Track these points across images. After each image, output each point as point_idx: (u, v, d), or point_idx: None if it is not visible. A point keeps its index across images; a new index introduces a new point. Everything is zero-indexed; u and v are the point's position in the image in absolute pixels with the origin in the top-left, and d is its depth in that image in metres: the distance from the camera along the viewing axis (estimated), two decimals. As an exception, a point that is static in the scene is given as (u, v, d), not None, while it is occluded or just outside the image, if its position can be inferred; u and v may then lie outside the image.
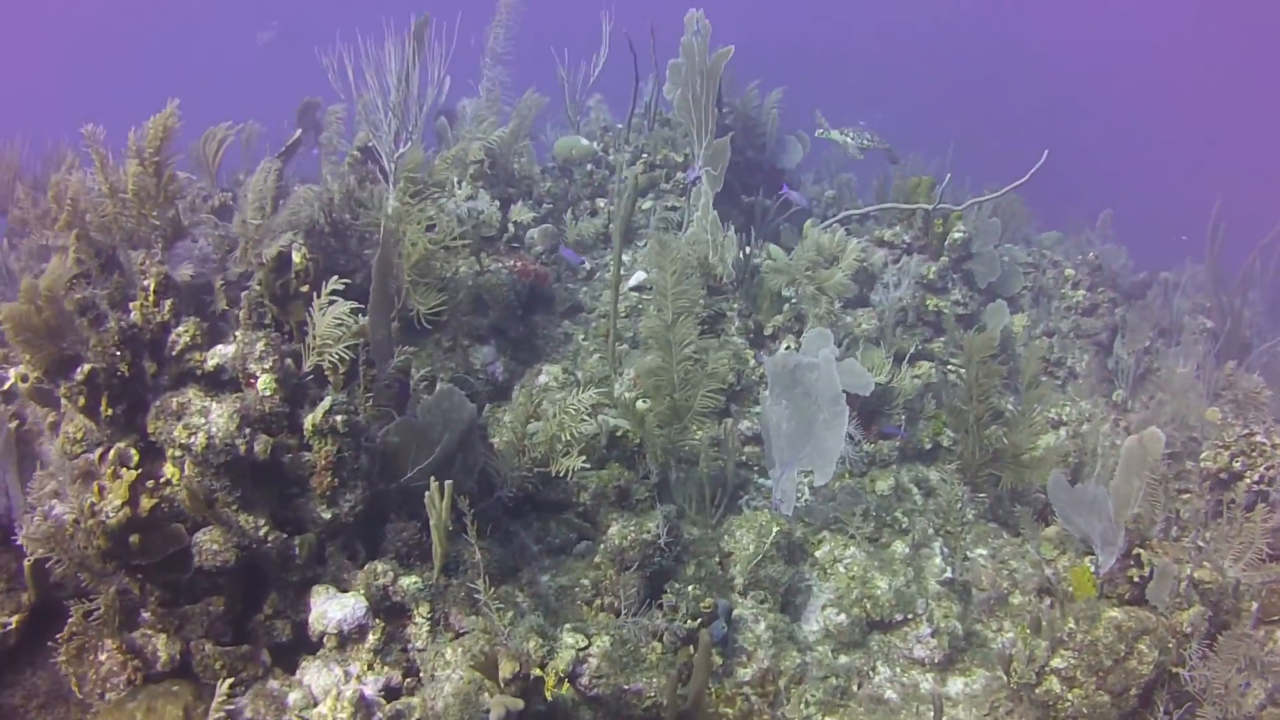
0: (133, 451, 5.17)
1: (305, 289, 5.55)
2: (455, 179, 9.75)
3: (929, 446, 8.76)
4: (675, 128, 12.44)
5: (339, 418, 5.23)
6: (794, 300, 9.13)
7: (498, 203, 9.26)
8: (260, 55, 44.05)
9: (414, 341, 8.18)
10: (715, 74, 10.67)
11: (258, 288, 5.57)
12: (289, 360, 5.41)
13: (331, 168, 11.06)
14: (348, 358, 5.60)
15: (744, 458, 8.11)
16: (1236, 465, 8.04)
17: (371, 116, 9.51)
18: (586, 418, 6.52)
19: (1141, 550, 6.62)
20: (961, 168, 18.72)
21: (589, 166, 11.92)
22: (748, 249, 9.53)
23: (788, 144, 13.08)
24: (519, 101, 11.43)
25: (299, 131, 10.05)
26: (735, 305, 9.08)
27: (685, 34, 11.90)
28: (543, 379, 8.20)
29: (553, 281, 9.56)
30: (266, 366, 5.26)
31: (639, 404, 7.48)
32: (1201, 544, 6.69)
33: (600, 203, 11.65)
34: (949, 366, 9.71)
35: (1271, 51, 50.13)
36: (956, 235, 10.61)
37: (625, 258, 10.55)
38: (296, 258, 8.35)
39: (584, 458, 6.39)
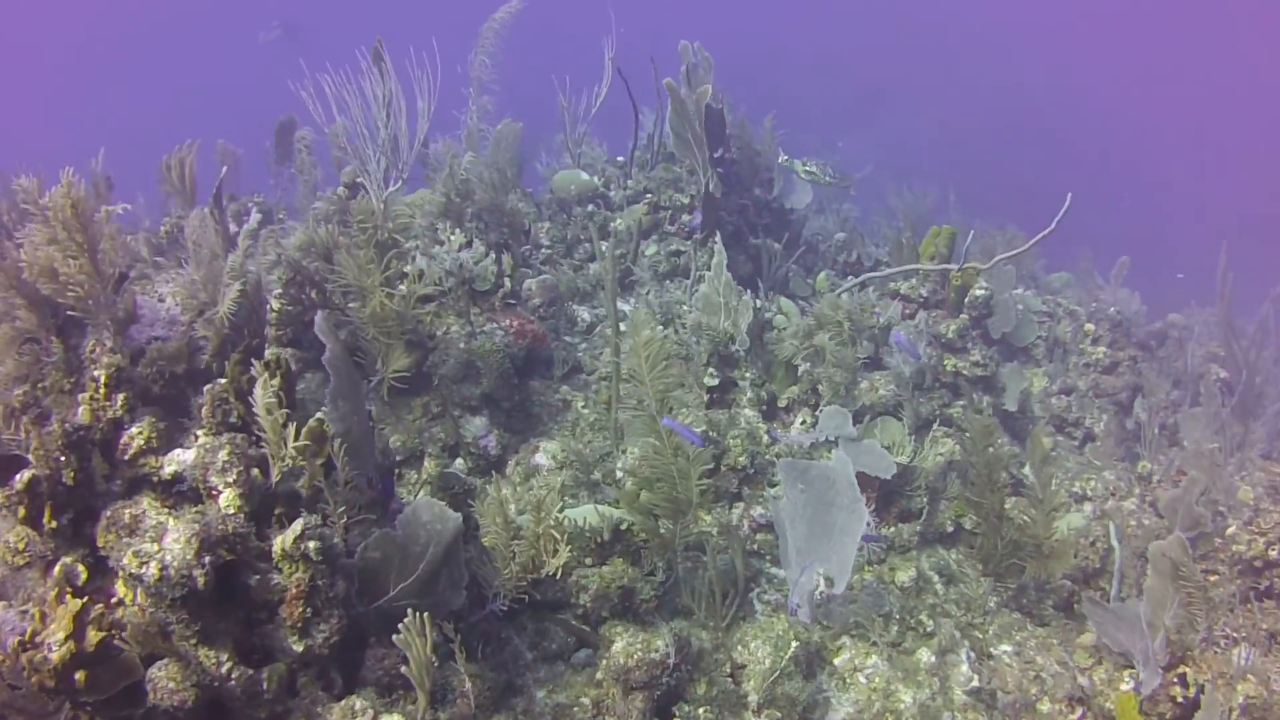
0: (80, 569, 4.56)
1: (277, 383, 4.87)
2: (448, 225, 9.12)
3: (950, 529, 8.13)
4: (680, 162, 11.82)
5: (311, 544, 4.57)
6: (809, 370, 8.48)
7: (493, 254, 8.56)
8: (263, 55, 43.37)
9: (402, 405, 7.58)
10: (717, 115, 10.12)
11: (223, 382, 4.91)
12: (256, 470, 4.74)
13: (319, 204, 10.46)
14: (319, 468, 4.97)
15: (756, 545, 7.50)
16: (1273, 554, 7.67)
17: (354, 146, 8.93)
18: (570, 501, 5.94)
19: (1186, 669, 6.14)
20: (957, 197, 18.38)
21: (590, 207, 11.29)
22: (758, 303, 8.95)
23: (797, 183, 12.50)
24: (495, 132, 10.84)
25: (225, 169, 9.37)
26: (747, 374, 8.44)
27: (682, 64, 11.34)
28: (539, 459, 7.54)
29: (551, 340, 8.91)
30: (230, 480, 4.61)
31: (642, 495, 6.84)
32: (1245, 656, 6.35)
33: (603, 246, 11.01)
34: (969, 435, 9.11)
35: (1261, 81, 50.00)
36: (978, 292, 10.01)
37: (625, 306, 9.94)
38: (275, 304, 7.78)
39: (577, 551, 5.86)
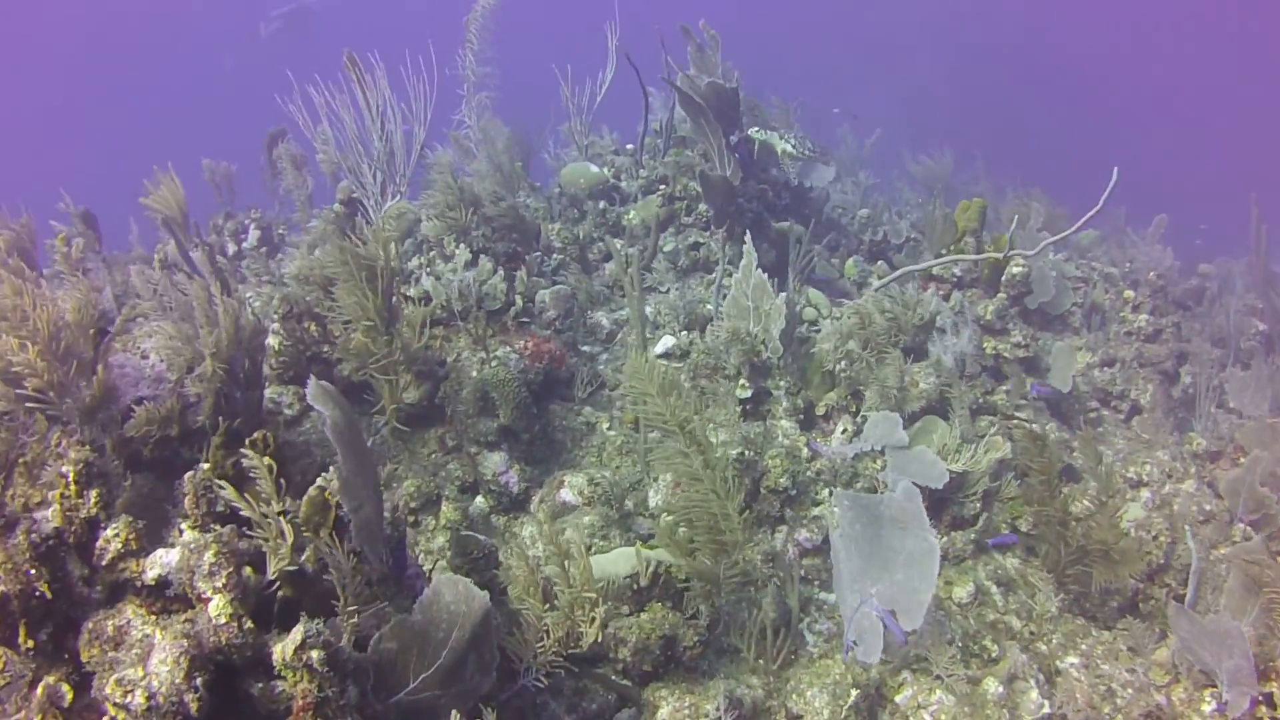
0: (65, 689, 4.07)
1: (268, 462, 4.37)
2: (452, 238, 8.59)
3: (1007, 532, 7.61)
4: (693, 146, 11.29)
5: (314, 653, 4.05)
6: (848, 372, 7.92)
7: (501, 270, 8.03)
8: (265, 49, 42.89)
9: (414, 438, 7.12)
10: (730, 96, 9.59)
11: (205, 467, 4.41)
12: (249, 568, 4.24)
13: (316, 222, 9.98)
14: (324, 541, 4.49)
15: (802, 570, 7.00)
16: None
17: (347, 160, 8.44)
18: (600, 543, 5.46)
19: (1274, 686, 5.90)
20: (976, 154, 17.81)
21: (601, 204, 10.75)
22: (786, 295, 8.43)
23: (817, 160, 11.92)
24: (491, 131, 10.31)
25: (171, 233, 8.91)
26: (781, 383, 7.88)
27: (688, 44, 10.82)
28: (565, 494, 7.00)
29: (569, 356, 8.38)
30: (219, 585, 4.10)
31: (682, 529, 6.32)
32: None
33: (617, 243, 10.48)
34: (1015, 422, 8.58)
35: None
36: (1015, 270, 9.45)
37: (647, 309, 9.43)
38: (273, 342, 7.30)
39: (614, 602, 5.33)
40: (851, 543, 6.22)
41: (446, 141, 11.89)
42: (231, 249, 11.86)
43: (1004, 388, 8.85)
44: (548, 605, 5.16)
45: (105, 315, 5.60)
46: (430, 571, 5.42)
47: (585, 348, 9.06)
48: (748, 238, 8.29)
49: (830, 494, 7.26)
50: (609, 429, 7.88)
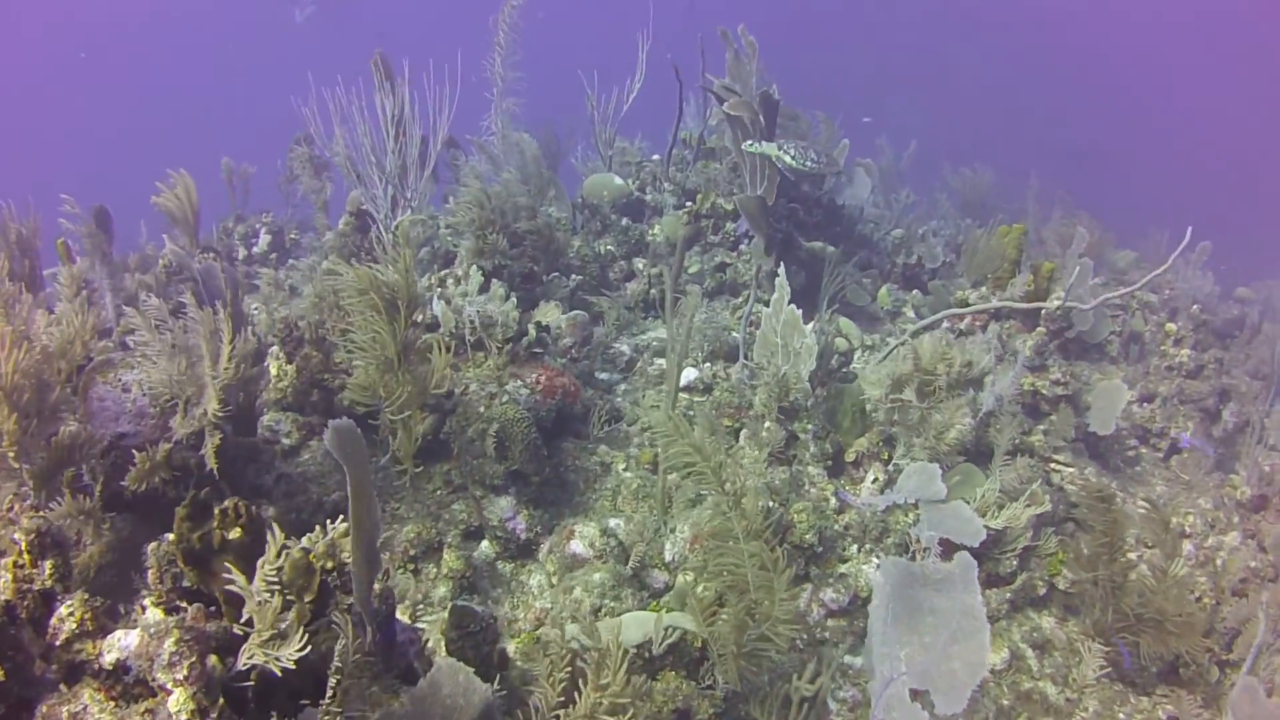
0: (14, 780, 3.66)
1: (237, 534, 3.93)
2: (466, 259, 8.16)
3: (1043, 591, 7.16)
4: (722, 157, 10.86)
5: (286, 765, 3.61)
6: (885, 419, 7.46)
7: (514, 296, 7.57)
8: (299, 33, 42.66)
9: (418, 467, 6.68)
10: (771, 108, 9.13)
11: (169, 540, 3.97)
12: (214, 657, 3.79)
13: (329, 235, 9.59)
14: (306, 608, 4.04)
15: (826, 633, 6.54)
16: None
17: (362, 170, 8.02)
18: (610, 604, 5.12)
19: None
20: (1015, 170, 17.34)
21: (624, 221, 10.31)
22: (817, 330, 7.98)
23: (854, 174, 11.47)
24: (520, 142, 9.85)
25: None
26: (809, 425, 7.40)
27: (727, 51, 10.38)
28: (576, 546, 6.51)
29: (585, 389, 7.93)
30: (180, 677, 3.65)
31: (699, 589, 5.86)
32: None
33: (639, 264, 10.04)
34: (1053, 466, 8.13)
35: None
36: (1055, 302, 8.97)
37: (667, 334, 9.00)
38: (273, 367, 6.88)
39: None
40: (892, 615, 5.78)
41: (471, 147, 11.49)
42: (241, 253, 11.48)
43: (1041, 428, 8.39)
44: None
45: (94, 343, 5.22)
46: (425, 640, 4.96)
47: (602, 375, 8.62)
48: (781, 270, 7.82)
49: (858, 550, 6.81)
50: (625, 470, 7.42)
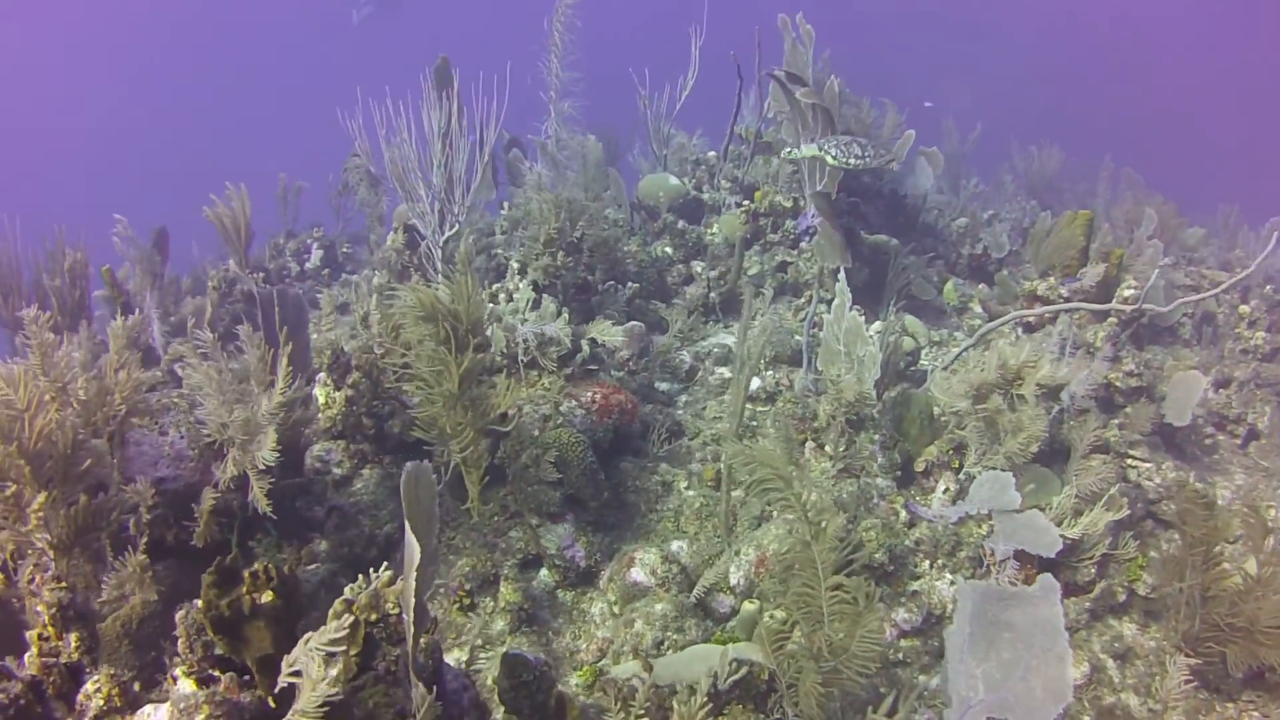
0: None
1: (269, 598, 3.73)
2: (514, 273, 7.94)
3: (1123, 598, 6.85)
4: (779, 151, 10.59)
5: (326, 845, 3.41)
6: (951, 424, 7.15)
7: (566, 314, 7.34)
8: (358, 34, 42.71)
9: (453, 511, 6.52)
10: (831, 100, 8.85)
11: (199, 610, 3.78)
12: (250, 728, 3.62)
13: (379, 257, 9.43)
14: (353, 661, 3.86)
15: (900, 654, 6.27)
16: None
17: (407, 185, 7.84)
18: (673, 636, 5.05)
19: None
20: (1087, 149, 16.91)
21: (680, 224, 10.06)
22: (881, 332, 7.69)
23: (916, 165, 11.14)
24: (583, 154, 9.60)
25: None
26: (876, 435, 7.12)
27: (785, 41, 10.11)
28: (636, 574, 6.25)
29: (643, 405, 7.69)
30: (213, 755, 3.48)
31: (767, 617, 5.61)
32: None
33: (697, 267, 9.79)
34: (1130, 462, 7.80)
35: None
36: (1128, 293, 8.66)
37: (730, 339, 8.75)
38: (320, 394, 6.71)
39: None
40: (969, 642, 5.50)
41: (534, 149, 11.30)
42: (294, 269, 11.35)
43: (1116, 422, 8.06)
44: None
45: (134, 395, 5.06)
46: (476, 686, 4.75)
47: (662, 386, 8.38)
48: (841, 275, 7.55)
49: (930, 566, 6.53)
50: (687, 488, 7.18)
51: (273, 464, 5.20)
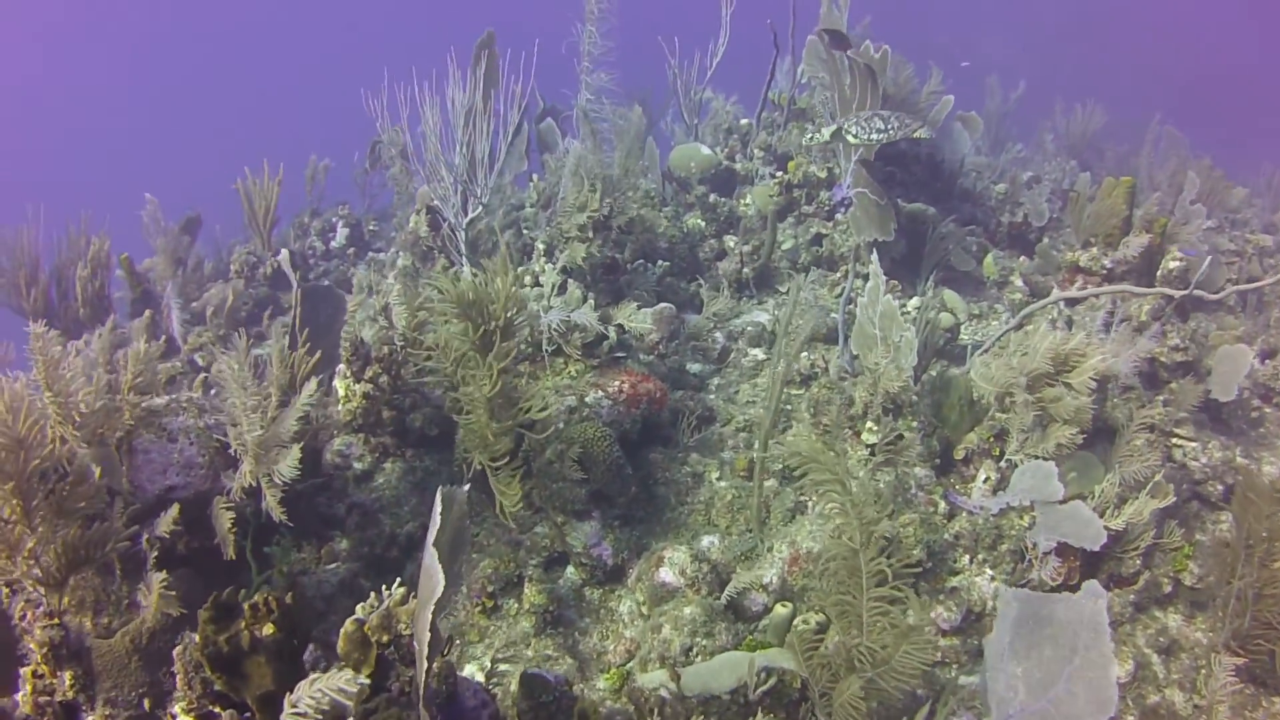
0: None
1: (270, 631, 3.55)
2: (541, 256, 7.72)
3: (1169, 589, 6.61)
4: (814, 118, 10.33)
5: None
6: (994, 411, 6.89)
7: (591, 299, 7.10)
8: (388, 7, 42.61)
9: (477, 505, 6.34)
10: (873, 73, 8.59)
11: (196, 646, 3.60)
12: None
13: (401, 238, 9.24)
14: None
15: (938, 654, 6.04)
16: None
17: (430, 167, 7.63)
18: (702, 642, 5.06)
19: None
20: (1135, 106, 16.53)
21: (712, 196, 9.82)
22: (920, 309, 7.43)
23: (953, 131, 10.84)
24: (622, 127, 9.33)
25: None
26: (914, 422, 6.87)
27: (822, 5, 9.84)
28: (665, 574, 6.00)
29: (673, 392, 7.46)
30: (211, 804, 3.31)
31: (800, 622, 5.40)
32: None
33: (730, 241, 9.54)
34: (1175, 441, 7.55)
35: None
36: (1172, 265, 8.40)
37: (763, 317, 8.53)
38: (340, 387, 6.53)
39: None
40: (1010, 651, 5.28)
41: (573, 120, 11.08)
42: (319, 248, 11.18)
43: (1161, 398, 7.79)
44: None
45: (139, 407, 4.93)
46: (497, 700, 4.56)
47: (694, 367, 8.16)
48: (874, 257, 7.29)
49: (970, 561, 6.30)
50: (718, 479, 6.95)
51: (290, 478, 5.03)
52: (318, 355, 5.72)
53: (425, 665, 3.56)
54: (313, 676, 3.38)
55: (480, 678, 5.55)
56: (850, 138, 8.13)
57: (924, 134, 8.08)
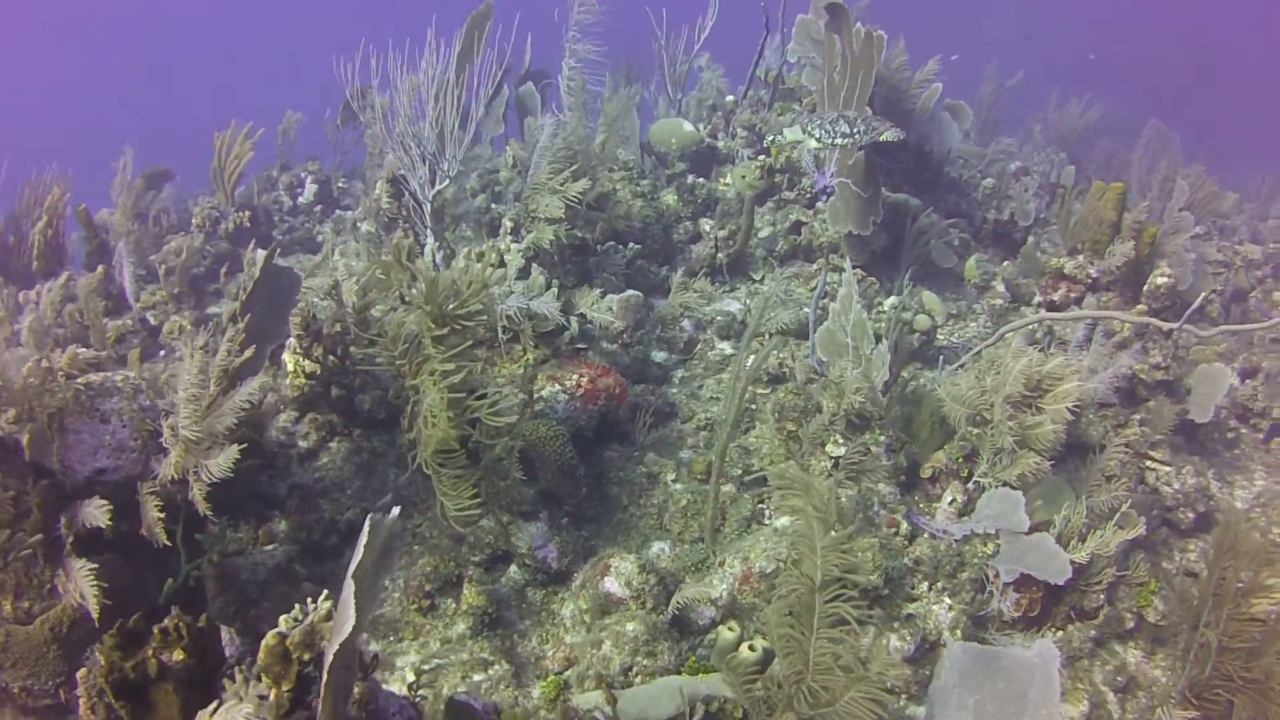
0: None
1: (179, 657, 3.33)
2: (508, 240, 7.45)
3: (1131, 624, 6.44)
4: (801, 98, 10.08)
5: None
6: (967, 429, 6.65)
7: (555, 285, 6.83)
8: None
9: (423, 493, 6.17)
10: (868, 59, 8.35)
11: (100, 671, 3.37)
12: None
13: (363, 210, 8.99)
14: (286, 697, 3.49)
15: (889, 681, 5.85)
16: None
17: (393, 134, 7.38)
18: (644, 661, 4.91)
19: None
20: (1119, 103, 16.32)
21: (690, 178, 9.56)
22: (892, 302, 7.23)
23: (941, 120, 10.59)
24: (605, 104, 9.03)
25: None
26: (881, 437, 6.64)
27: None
28: (610, 584, 5.75)
29: (634, 387, 7.22)
30: None
31: (745, 648, 5.18)
32: None
33: (705, 225, 9.29)
34: (1149, 464, 7.38)
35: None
36: (1160, 280, 8.20)
37: (734, 306, 8.31)
38: (289, 361, 6.30)
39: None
40: (954, 686, 5.10)
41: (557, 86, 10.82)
42: (286, 203, 10.89)
43: (1137, 417, 7.61)
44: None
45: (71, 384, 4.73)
46: (422, 703, 4.33)
47: (659, 356, 7.93)
48: (847, 264, 7.06)
49: (929, 588, 6.10)
50: (674, 481, 6.72)
51: (220, 477, 4.80)
52: (252, 351, 5.47)
53: (327, 704, 3.34)
54: (213, 706, 3.17)
55: (411, 677, 5.34)
56: (813, 142, 7.79)
57: (891, 136, 7.75)
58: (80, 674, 3.46)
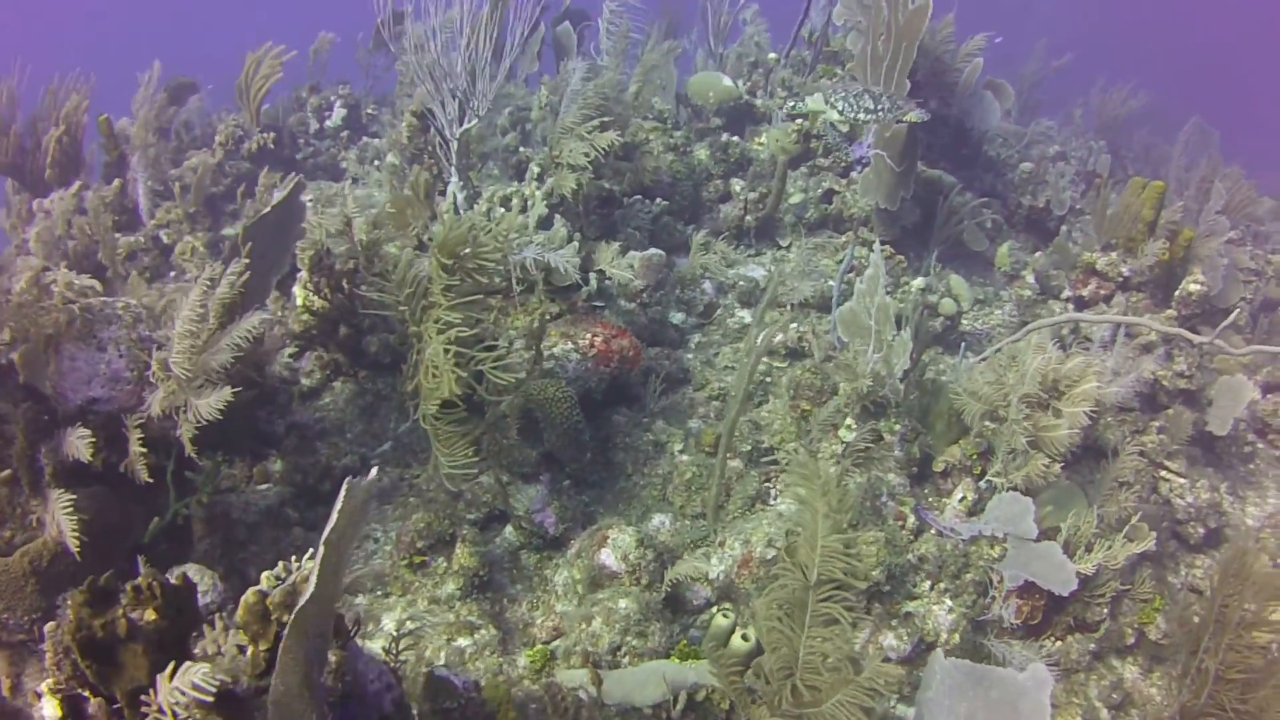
0: None
1: (151, 617, 3.19)
2: (532, 186, 7.26)
3: (1132, 640, 6.30)
4: (845, 62, 9.87)
5: None
6: (984, 424, 6.48)
7: (577, 238, 6.64)
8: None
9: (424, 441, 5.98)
10: (912, 29, 8.15)
11: (68, 627, 3.24)
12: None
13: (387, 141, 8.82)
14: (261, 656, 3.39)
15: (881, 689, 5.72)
16: None
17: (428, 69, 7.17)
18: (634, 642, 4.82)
19: None
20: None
21: (724, 136, 9.35)
22: (919, 284, 7.07)
23: (983, 97, 10.36)
24: (644, 53, 8.82)
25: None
26: (897, 426, 6.48)
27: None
28: (606, 557, 5.59)
29: (648, 350, 7.05)
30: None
31: (738, 637, 5.03)
32: None
33: (736, 185, 9.09)
34: (1164, 474, 7.22)
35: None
36: (1193, 288, 8.01)
37: (757, 272, 8.13)
38: (299, 295, 6.16)
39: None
40: (945, 702, 4.96)
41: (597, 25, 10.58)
42: (313, 126, 10.70)
43: (1155, 424, 7.44)
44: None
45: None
46: (402, 681, 4.20)
47: (676, 317, 7.76)
48: (876, 243, 6.86)
49: (931, 587, 5.96)
50: (681, 451, 6.57)
51: (210, 420, 4.66)
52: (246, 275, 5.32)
53: (287, 675, 3.21)
54: (169, 670, 3.04)
55: (393, 629, 5.21)
56: (835, 114, 7.53)
57: (915, 117, 7.53)
58: (48, 627, 3.34)
